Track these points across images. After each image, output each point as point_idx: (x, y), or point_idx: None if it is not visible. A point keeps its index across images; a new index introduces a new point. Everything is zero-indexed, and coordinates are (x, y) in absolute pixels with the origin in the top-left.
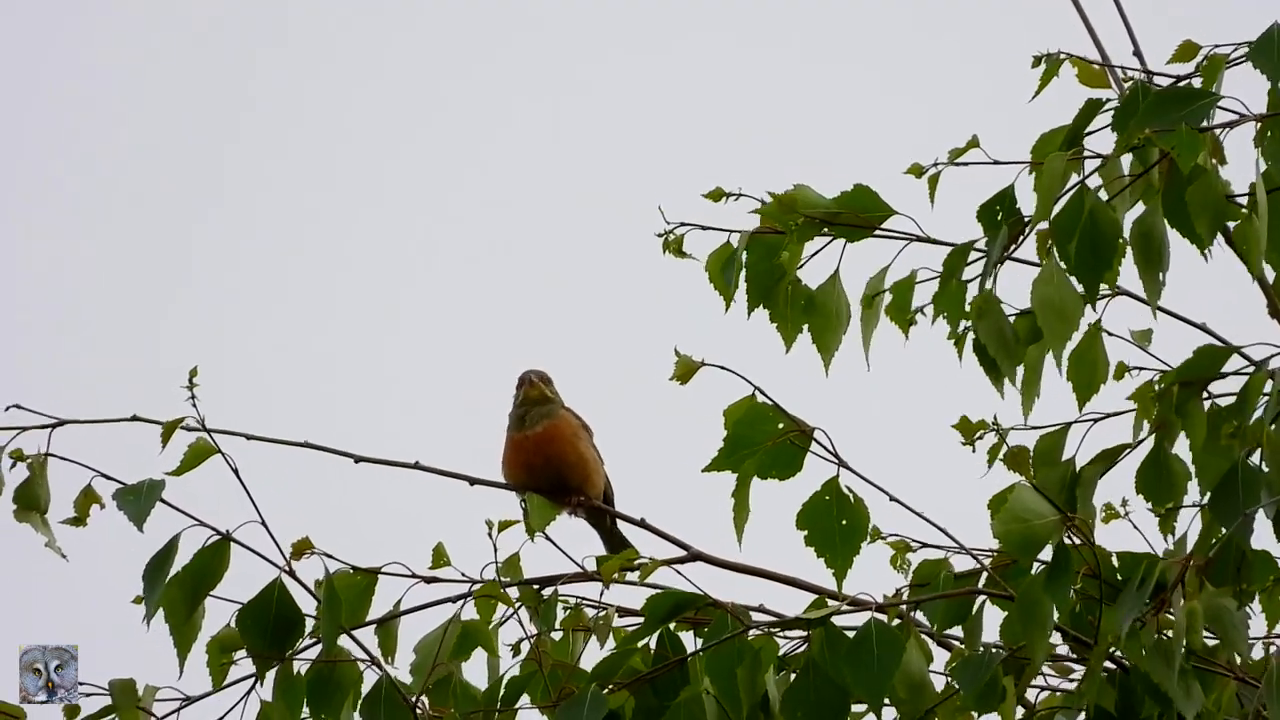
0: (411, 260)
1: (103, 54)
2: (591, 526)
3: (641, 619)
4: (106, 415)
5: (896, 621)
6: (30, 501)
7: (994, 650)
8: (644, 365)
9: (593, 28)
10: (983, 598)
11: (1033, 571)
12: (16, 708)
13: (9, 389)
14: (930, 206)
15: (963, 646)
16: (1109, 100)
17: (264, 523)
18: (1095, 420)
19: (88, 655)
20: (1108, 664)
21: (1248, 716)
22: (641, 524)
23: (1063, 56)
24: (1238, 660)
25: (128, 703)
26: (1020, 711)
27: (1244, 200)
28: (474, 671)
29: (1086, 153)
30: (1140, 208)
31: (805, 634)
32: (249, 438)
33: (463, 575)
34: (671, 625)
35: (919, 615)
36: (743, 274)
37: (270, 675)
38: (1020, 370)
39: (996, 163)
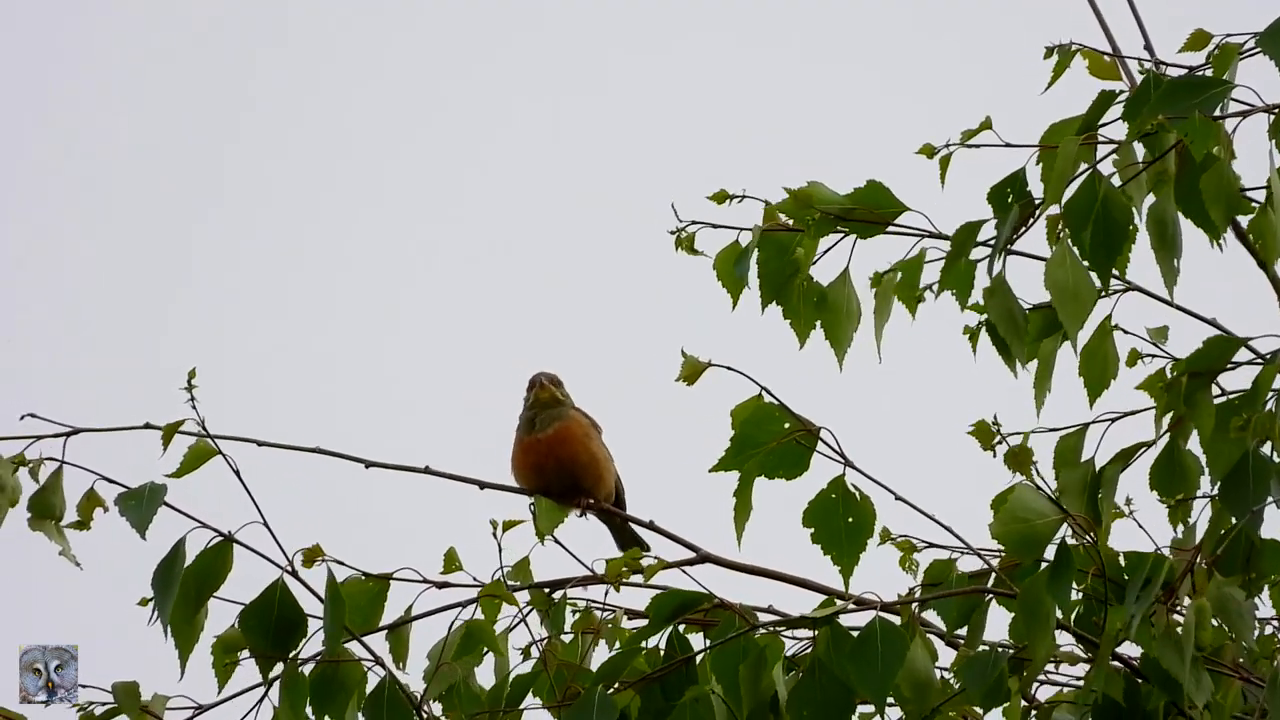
0: (412, 260)
1: (103, 54)
2: (602, 522)
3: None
4: (111, 418)
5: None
6: (46, 510)
7: (999, 650)
8: (646, 366)
9: (593, 28)
10: (988, 597)
11: (1038, 570)
12: (19, 716)
13: (9, 389)
14: (941, 188)
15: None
16: (1122, 92)
17: (266, 523)
18: (1113, 419)
19: (88, 655)
20: (1114, 663)
21: (1253, 713)
22: (651, 526)
23: (1075, 48)
24: (1241, 661)
25: (130, 705)
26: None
27: (1255, 194)
28: (487, 677)
29: (1099, 139)
30: (1153, 197)
31: (812, 633)
32: (260, 444)
33: (474, 580)
34: (681, 627)
35: (934, 616)
36: (753, 271)
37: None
38: (1034, 365)
39: (1009, 145)
